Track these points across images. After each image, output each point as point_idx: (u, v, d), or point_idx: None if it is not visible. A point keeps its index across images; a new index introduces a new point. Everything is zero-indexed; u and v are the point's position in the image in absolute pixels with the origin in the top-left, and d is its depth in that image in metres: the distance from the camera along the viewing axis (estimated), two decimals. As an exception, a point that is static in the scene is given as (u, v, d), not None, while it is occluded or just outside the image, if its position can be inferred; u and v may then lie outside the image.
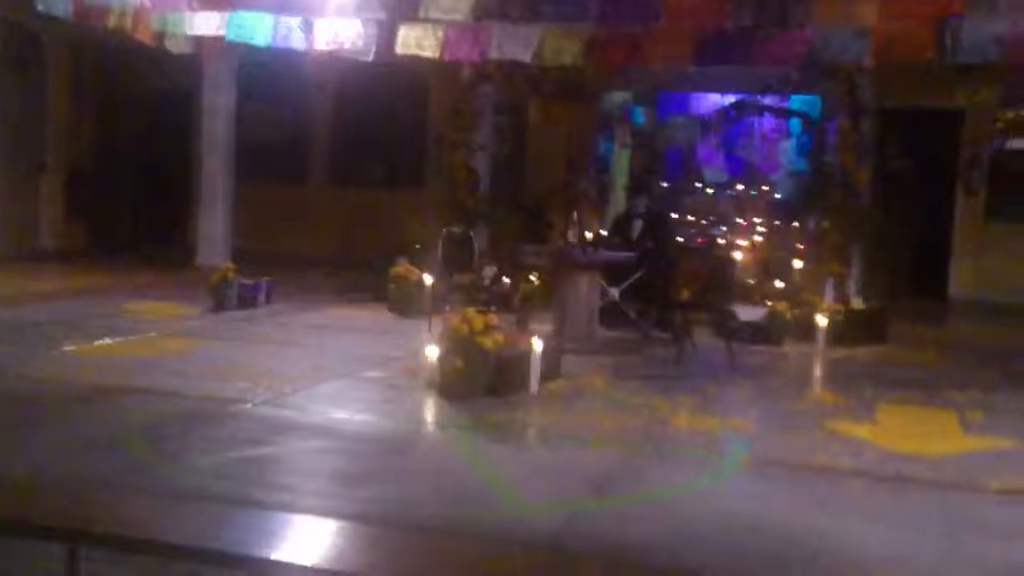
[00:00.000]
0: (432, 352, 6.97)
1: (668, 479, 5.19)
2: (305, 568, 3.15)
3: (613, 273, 9.46)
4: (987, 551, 4.31)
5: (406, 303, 10.30)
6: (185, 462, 5.08)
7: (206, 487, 4.67)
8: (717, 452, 5.73)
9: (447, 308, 8.97)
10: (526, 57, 8.67)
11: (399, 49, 8.86)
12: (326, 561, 3.79)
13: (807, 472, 5.39)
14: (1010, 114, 13.16)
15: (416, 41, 8.82)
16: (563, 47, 8.58)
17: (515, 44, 8.66)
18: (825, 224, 10.70)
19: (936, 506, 4.88)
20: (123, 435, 5.48)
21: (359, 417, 6.23)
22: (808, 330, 9.44)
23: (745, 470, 5.44)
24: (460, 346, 6.73)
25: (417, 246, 11.08)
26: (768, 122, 15.17)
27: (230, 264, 10.67)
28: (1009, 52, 7.62)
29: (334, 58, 9.45)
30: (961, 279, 13.01)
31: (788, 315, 9.62)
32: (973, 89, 12.28)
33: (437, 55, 8.85)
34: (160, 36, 9.78)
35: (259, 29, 9.12)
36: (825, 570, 4.05)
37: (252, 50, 9.84)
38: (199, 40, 9.78)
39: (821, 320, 9.38)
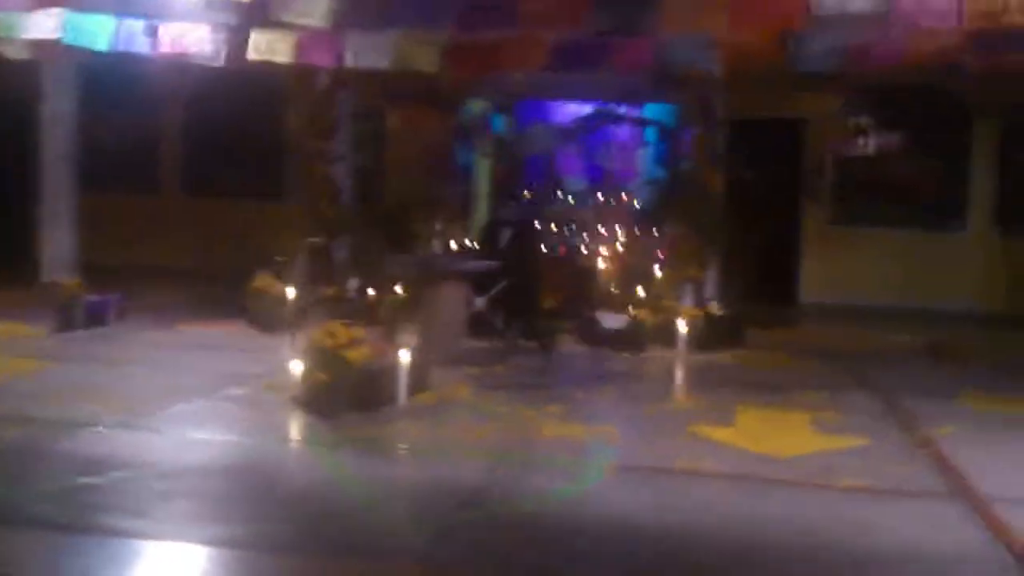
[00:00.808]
0: (296, 367, 6.81)
1: (534, 489, 5.20)
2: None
3: (478, 283, 9.45)
4: (837, 542, 4.48)
5: (267, 317, 10.02)
6: (30, 489, 4.80)
7: (52, 515, 4.42)
8: (583, 460, 5.78)
9: (310, 322, 8.78)
10: (383, 63, 8.58)
11: (251, 55, 8.62)
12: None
13: (669, 476, 5.50)
14: (852, 122, 13.80)
15: (268, 46, 8.60)
16: (419, 53, 8.52)
17: (371, 50, 8.55)
18: (681, 231, 10.97)
19: (789, 504, 5.05)
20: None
21: (220, 437, 6.03)
22: (669, 335, 9.65)
23: (610, 476, 5.50)
24: (324, 360, 6.59)
25: (279, 258, 10.81)
26: (625, 131, 15.47)
27: (76, 281, 10.17)
28: (849, 62, 8.00)
29: (183, 63, 9.13)
30: (809, 283, 13.55)
31: (650, 321, 9.82)
32: (817, 97, 12.88)
33: (291, 60, 8.66)
34: (-8, 41, 9.23)
35: (99, 33, 8.68)
36: (682, 567, 4.15)
37: (95, 55, 9.37)
38: (36, 44, 9.25)
39: (681, 326, 9.61)
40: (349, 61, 8.80)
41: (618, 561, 4.23)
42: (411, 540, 4.34)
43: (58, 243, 12.79)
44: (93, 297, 9.91)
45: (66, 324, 9.55)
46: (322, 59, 8.80)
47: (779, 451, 6.04)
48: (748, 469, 5.64)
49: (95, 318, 9.81)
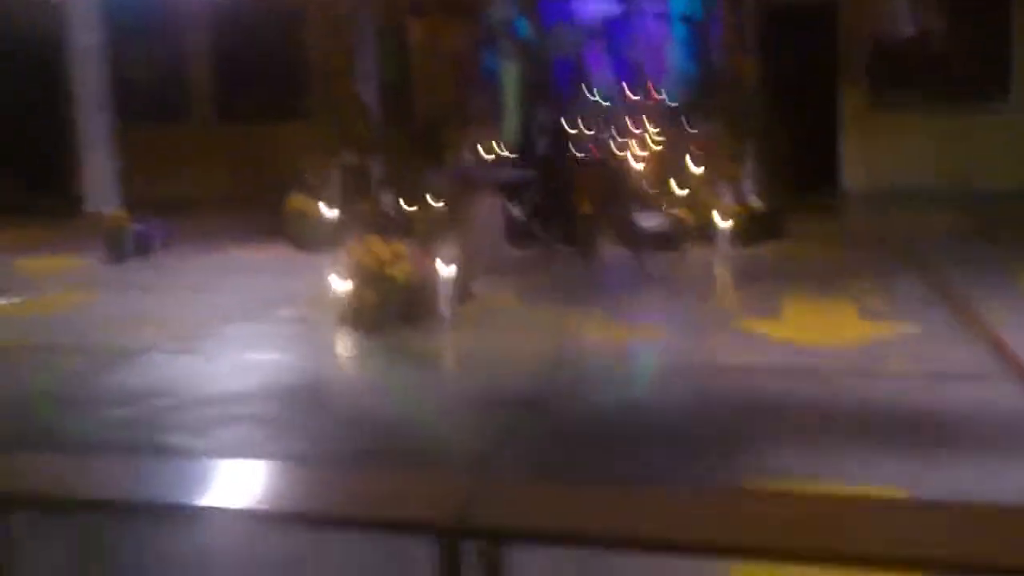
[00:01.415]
0: (341, 285, 6.90)
1: (585, 392, 5.28)
2: (236, 511, 3.12)
3: (515, 191, 9.44)
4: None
5: (306, 237, 10.11)
6: (95, 416, 4.96)
7: (119, 440, 4.58)
8: (630, 361, 5.85)
9: (349, 238, 8.84)
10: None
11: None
12: (255, 503, 3.77)
13: (718, 371, 5.55)
14: (885, 3, 13.40)
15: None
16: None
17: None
18: (716, 125, 10.82)
19: (835, 391, 5.09)
20: (31, 395, 5.32)
21: (272, 357, 6.16)
22: (708, 232, 9.61)
23: (658, 375, 5.57)
24: (369, 278, 6.67)
25: (312, 178, 10.84)
26: (653, 25, 15.15)
27: (123, 211, 10.30)
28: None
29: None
30: (851, 170, 13.34)
31: (688, 220, 9.77)
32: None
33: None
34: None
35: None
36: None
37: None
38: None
39: (721, 222, 9.56)
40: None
41: (670, 446, 4.30)
42: (471, 449, 4.44)
43: (98, 174, 12.93)
44: (139, 226, 10.03)
45: (115, 254, 9.70)
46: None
47: (826, 340, 6.06)
48: (796, 360, 5.67)
49: (142, 247, 9.94)
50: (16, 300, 7.92)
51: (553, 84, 15.17)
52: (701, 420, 4.74)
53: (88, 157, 13.04)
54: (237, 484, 4.06)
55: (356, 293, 6.70)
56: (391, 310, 6.68)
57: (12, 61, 15.28)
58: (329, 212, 9.74)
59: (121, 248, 9.75)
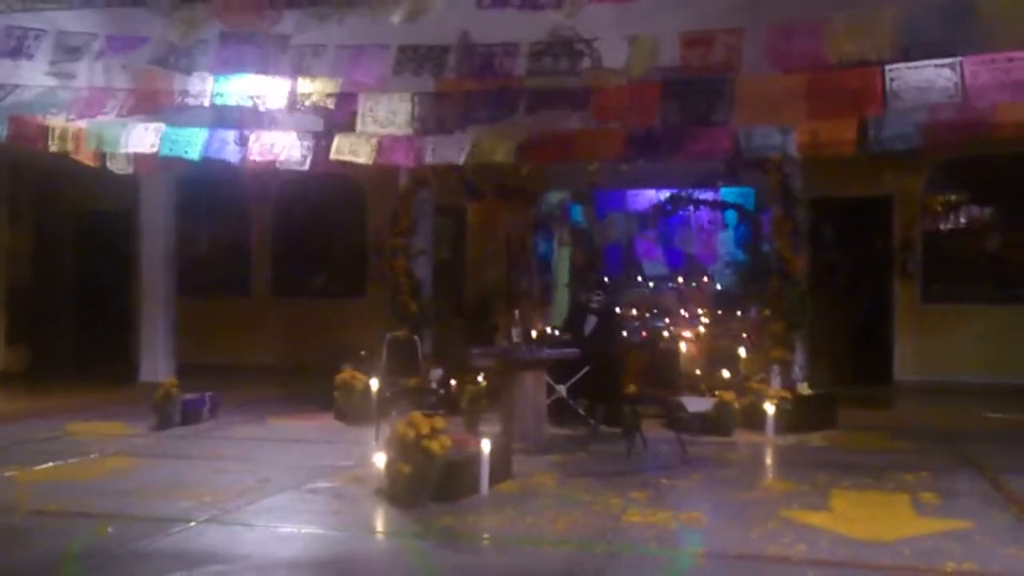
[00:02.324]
0: (379, 459, 6.85)
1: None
2: None
3: (560, 370, 9.45)
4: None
5: (353, 410, 10.17)
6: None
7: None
8: (670, 547, 5.65)
9: (394, 413, 8.86)
10: (459, 159, 8.80)
11: (333, 156, 8.96)
12: None
13: (761, 562, 5.33)
14: (939, 198, 13.57)
15: (350, 148, 8.93)
16: (495, 147, 8.74)
17: (448, 147, 8.80)
18: (766, 312, 10.84)
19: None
20: (63, 563, 5.27)
21: (307, 530, 6.07)
22: (757, 418, 9.47)
23: (698, 564, 5.36)
24: (406, 451, 6.62)
25: (362, 352, 10.99)
26: (704, 215, 15.46)
27: (173, 380, 10.48)
28: (929, 138, 7.92)
29: (270, 169, 9.50)
30: (904, 362, 13.19)
31: (736, 404, 9.65)
32: (902, 173, 12.73)
33: (371, 161, 8.96)
34: (101, 156, 9.73)
35: (193, 143, 9.12)
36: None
37: (190, 166, 9.81)
38: (135, 157, 9.73)
39: (769, 408, 9.41)
40: (428, 158, 9.06)
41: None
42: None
43: (155, 345, 13.30)
44: (189, 395, 10.18)
45: (163, 422, 9.82)
46: (400, 158, 9.08)
47: (878, 535, 5.82)
48: (845, 554, 5.43)
49: (191, 415, 10.06)
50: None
51: (604, 269, 15.44)
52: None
53: (146, 328, 13.43)
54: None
55: (392, 466, 6.65)
56: (427, 484, 6.59)
57: (89, 231, 16.04)
58: (375, 384, 9.80)
59: (169, 416, 9.86)
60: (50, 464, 7.99)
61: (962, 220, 13.59)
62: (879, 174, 12.73)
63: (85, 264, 16.05)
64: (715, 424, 9.44)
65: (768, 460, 8.67)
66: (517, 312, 9.58)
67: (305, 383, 11.82)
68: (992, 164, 12.48)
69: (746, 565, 5.32)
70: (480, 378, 10.30)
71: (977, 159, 12.29)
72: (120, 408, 11.00)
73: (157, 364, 13.02)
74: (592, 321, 10.26)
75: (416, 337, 10.32)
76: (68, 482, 7.32)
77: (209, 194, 14.49)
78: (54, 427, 9.77)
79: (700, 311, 14.07)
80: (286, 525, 6.15)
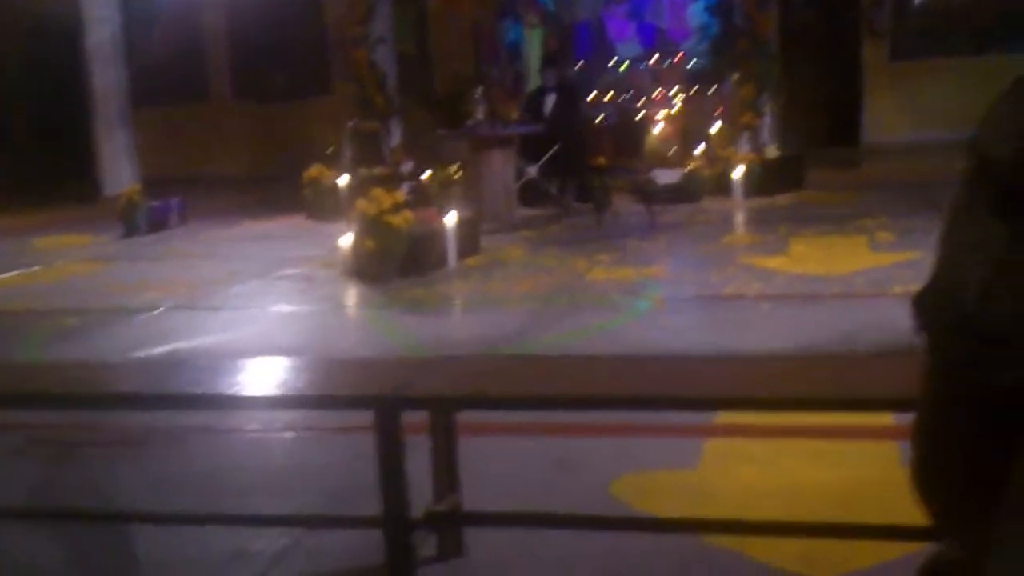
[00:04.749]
0: (345, 240, 6.87)
1: (583, 322, 5.20)
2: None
3: (530, 151, 9.36)
4: (881, 341, 4.37)
5: (323, 207, 10.08)
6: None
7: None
8: (631, 295, 5.74)
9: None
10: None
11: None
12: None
13: (718, 301, 5.43)
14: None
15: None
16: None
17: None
18: (735, 77, 10.65)
19: (837, 314, 4.95)
20: (24, 346, 5.35)
21: (274, 308, 6.15)
22: (726, 184, 9.46)
23: (658, 307, 5.46)
24: (370, 226, 6.62)
25: (329, 149, 10.83)
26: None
27: (136, 186, 10.35)
28: None
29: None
30: (873, 122, 13.06)
31: (706, 173, 9.62)
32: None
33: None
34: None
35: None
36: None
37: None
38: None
39: (737, 172, 9.39)
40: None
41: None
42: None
43: (116, 156, 13.06)
44: (154, 203, 10.07)
45: (130, 230, 9.74)
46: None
47: (832, 270, 5.92)
48: (800, 288, 5.53)
49: (158, 223, 9.97)
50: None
51: (573, 49, 15.02)
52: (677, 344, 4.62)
53: (104, 141, 13.17)
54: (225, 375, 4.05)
55: (357, 242, 6.66)
56: (393, 259, 6.62)
57: (32, 50, 15.49)
58: (343, 179, 9.71)
59: (135, 224, 9.78)
60: (14, 272, 7.98)
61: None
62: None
63: (35, 83, 15.54)
64: (685, 193, 9.43)
65: (734, 219, 8.72)
66: (480, 90, 9.38)
67: (276, 191, 11.69)
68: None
69: (703, 303, 5.44)
70: (448, 164, 10.21)
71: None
72: (86, 223, 10.86)
73: (121, 177, 12.80)
74: (551, 99, 10.06)
75: (380, 124, 10.14)
76: (32, 285, 7.36)
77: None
78: (19, 243, 9.70)
79: (674, 90, 13.83)
80: (253, 307, 6.22)
